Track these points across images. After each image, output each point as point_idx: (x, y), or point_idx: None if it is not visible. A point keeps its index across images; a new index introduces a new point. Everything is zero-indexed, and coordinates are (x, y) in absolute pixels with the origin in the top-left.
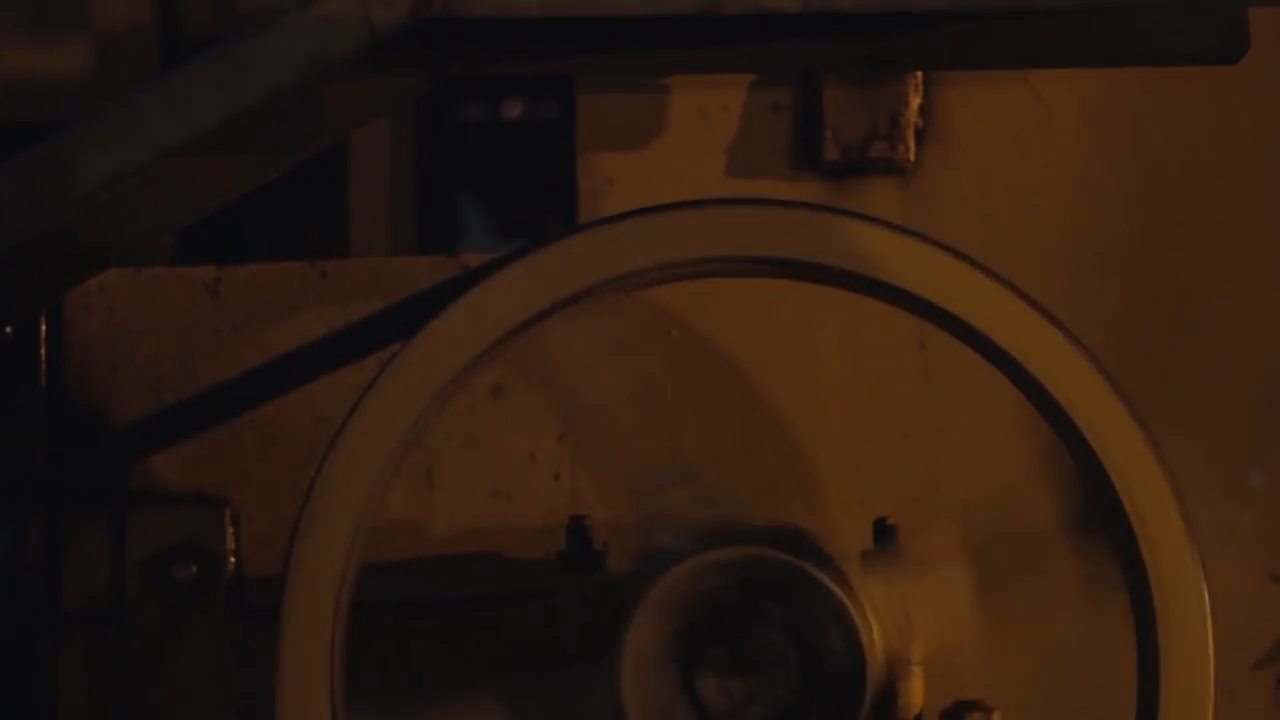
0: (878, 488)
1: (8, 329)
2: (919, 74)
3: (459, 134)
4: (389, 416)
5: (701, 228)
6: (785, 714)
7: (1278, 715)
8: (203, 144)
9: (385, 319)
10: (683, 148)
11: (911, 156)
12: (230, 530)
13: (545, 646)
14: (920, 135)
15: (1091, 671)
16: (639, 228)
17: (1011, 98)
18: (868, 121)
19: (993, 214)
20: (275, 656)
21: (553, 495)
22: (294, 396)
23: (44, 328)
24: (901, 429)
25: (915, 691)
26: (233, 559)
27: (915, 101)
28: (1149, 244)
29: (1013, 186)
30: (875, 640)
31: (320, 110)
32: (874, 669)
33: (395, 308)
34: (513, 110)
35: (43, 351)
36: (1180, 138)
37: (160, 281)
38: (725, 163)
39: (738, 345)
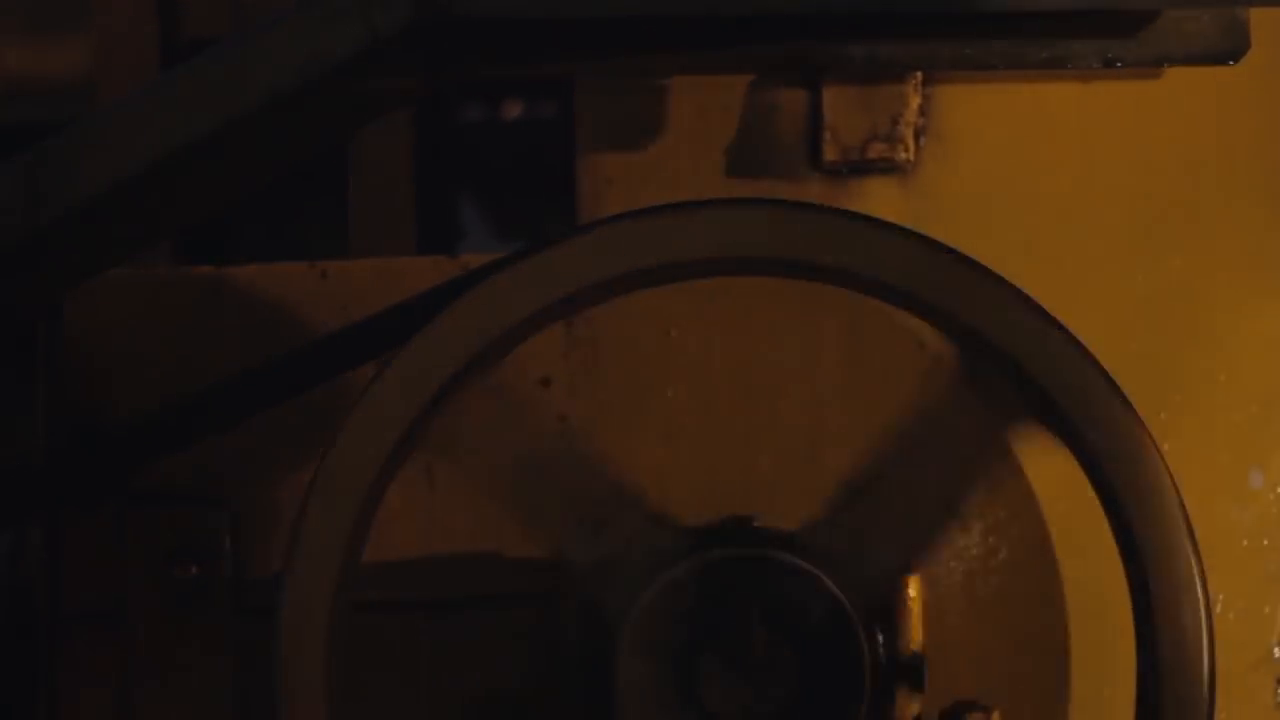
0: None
1: (7, 330)
2: (919, 74)
3: (459, 134)
4: (389, 416)
5: (702, 227)
6: (785, 715)
7: (1278, 715)
8: (203, 144)
9: (385, 319)
10: (683, 148)
11: (911, 156)
12: (230, 530)
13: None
14: (920, 135)
15: (1091, 671)
16: (639, 228)
17: (1011, 98)
18: (868, 121)
19: (993, 214)
20: (274, 657)
21: None
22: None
23: (44, 328)
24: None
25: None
26: (233, 559)
27: (915, 101)
28: (1149, 244)
29: (1013, 186)
30: (875, 641)
31: (320, 110)
32: (873, 669)
33: (395, 308)
34: (513, 110)
35: (43, 351)
36: (1180, 138)
37: (160, 281)
38: (725, 163)
39: (738, 345)
